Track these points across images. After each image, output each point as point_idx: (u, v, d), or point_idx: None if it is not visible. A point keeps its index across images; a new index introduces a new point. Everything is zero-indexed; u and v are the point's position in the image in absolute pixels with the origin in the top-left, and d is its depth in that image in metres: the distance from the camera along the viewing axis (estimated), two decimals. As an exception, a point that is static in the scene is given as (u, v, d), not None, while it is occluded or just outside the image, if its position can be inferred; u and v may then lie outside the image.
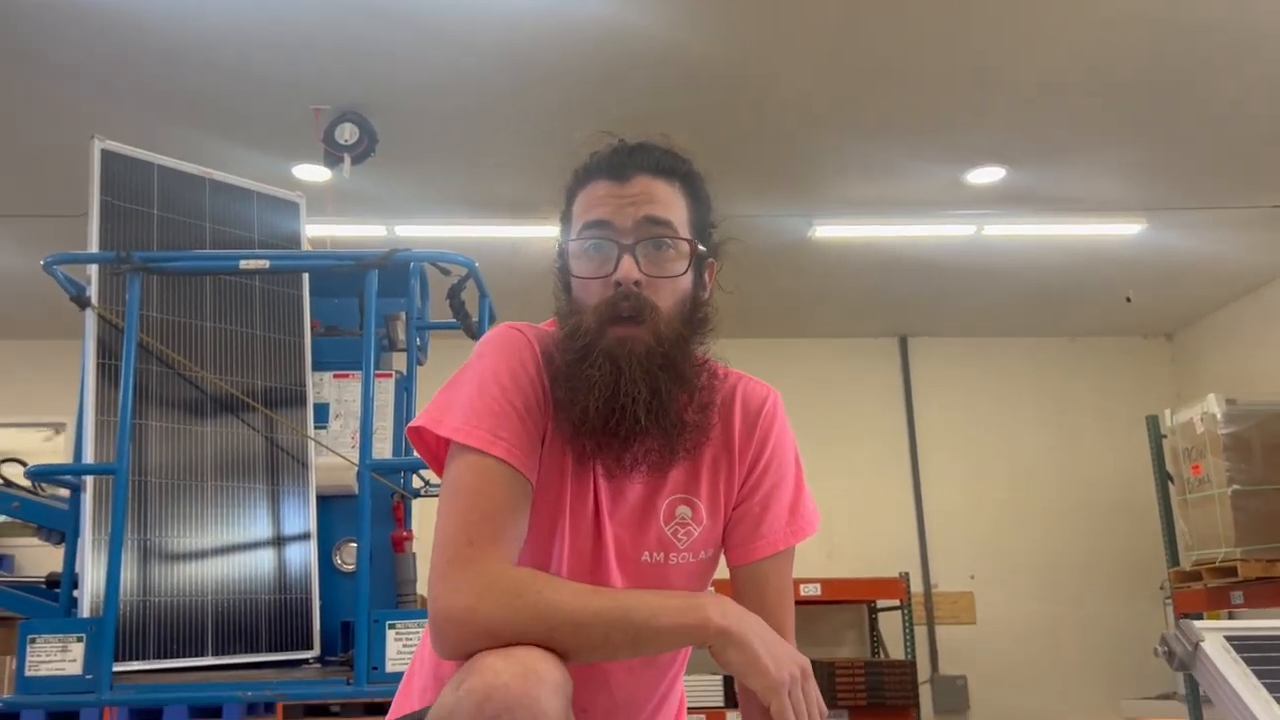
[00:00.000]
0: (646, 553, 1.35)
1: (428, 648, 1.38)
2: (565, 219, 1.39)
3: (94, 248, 3.05)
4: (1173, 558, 5.16)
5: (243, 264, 2.88)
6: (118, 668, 2.67)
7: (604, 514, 1.33)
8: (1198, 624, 1.01)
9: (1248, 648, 0.98)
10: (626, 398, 1.25)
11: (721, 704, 5.25)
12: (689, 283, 1.34)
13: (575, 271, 1.33)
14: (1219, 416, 4.76)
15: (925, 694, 6.08)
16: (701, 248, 1.36)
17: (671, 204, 1.34)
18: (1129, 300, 5.92)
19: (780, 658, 1.17)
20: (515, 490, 1.24)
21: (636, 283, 1.28)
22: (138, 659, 2.77)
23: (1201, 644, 0.98)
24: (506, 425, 1.26)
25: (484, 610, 1.12)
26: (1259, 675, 0.95)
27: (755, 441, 1.40)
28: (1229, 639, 0.99)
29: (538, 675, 1.05)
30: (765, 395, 1.44)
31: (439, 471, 1.32)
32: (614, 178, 1.33)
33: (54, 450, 6.28)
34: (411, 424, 1.32)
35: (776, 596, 1.38)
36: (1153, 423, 5.26)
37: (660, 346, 1.28)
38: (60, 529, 3.18)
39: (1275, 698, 0.92)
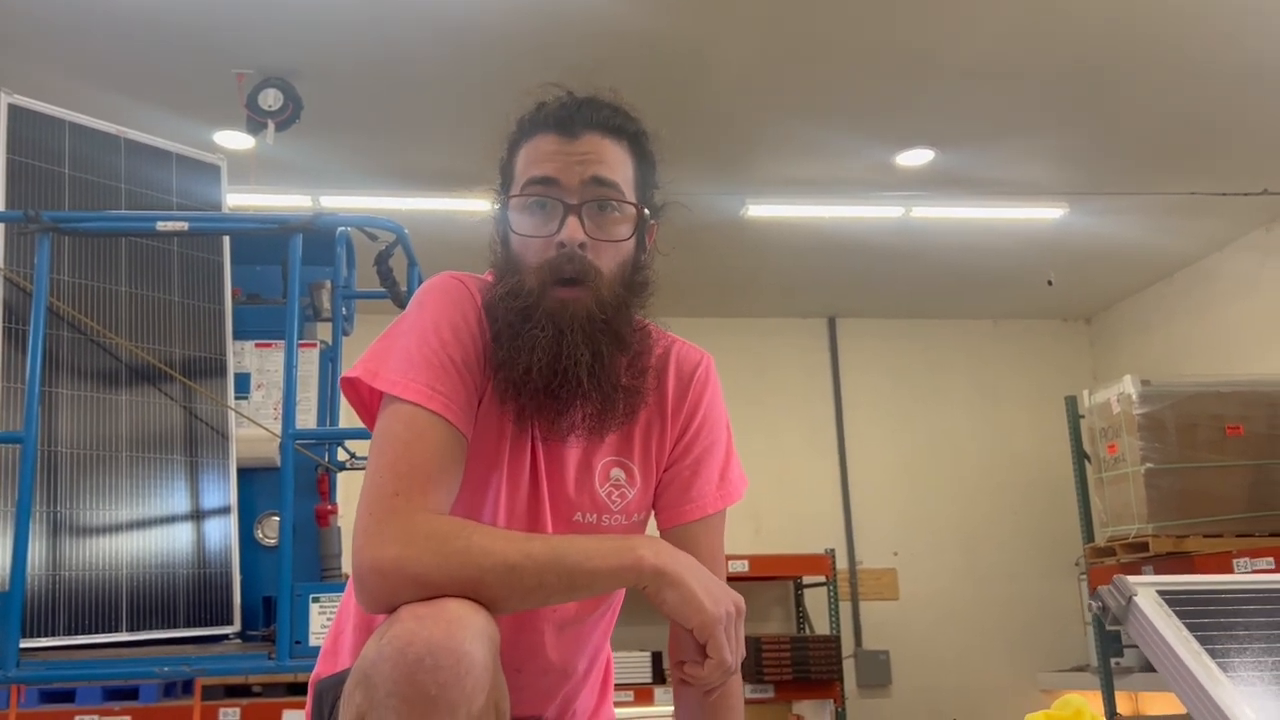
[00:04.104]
0: (580, 513, 1.33)
1: (353, 605, 1.34)
2: (506, 170, 1.35)
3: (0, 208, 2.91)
4: (1088, 534, 5.30)
5: (160, 225, 2.77)
6: (25, 644, 2.56)
7: (541, 474, 1.31)
8: (1131, 579, 1.03)
9: (1180, 602, 0.99)
10: (569, 360, 1.23)
11: (649, 680, 5.26)
12: (632, 246, 1.32)
13: (517, 228, 1.29)
14: (1134, 397, 4.89)
15: (849, 668, 6.18)
16: (646, 211, 1.34)
17: (619, 165, 1.31)
18: (1050, 284, 6.05)
19: (717, 595, 1.16)
20: (449, 444, 1.20)
21: (581, 245, 1.25)
22: (46, 635, 2.66)
23: (1135, 598, 1.00)
24: (445, 379, 1.22)
25: (411, 558, 1.08)
26: (1190, 629, 0.97)
27: (688, 405, 1.39)
28: (1161, 593, 1.01)
29: (461, 622, 1.02)
30: (699, 360, 1.43)
31: (371, 425, 1.27)
32: (562, 133, 1.30)
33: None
34: (346, 374, 1.27)
35: (708, 560, 1.37)
36: (1071, 403, 5.38)
37: (602, 311, 1.26)
38: (-38, 502, 3.04)
39: (1205, 649, 0.94)
